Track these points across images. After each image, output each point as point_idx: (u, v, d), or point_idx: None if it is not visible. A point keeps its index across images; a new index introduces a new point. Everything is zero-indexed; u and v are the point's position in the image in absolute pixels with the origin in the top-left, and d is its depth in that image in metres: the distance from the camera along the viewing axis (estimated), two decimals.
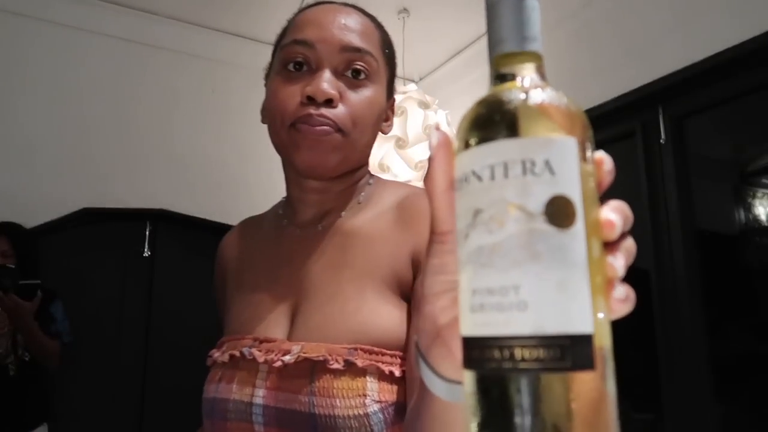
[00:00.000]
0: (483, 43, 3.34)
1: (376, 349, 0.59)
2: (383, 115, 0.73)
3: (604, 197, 0.34)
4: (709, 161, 2.45)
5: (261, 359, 0.64)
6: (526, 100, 0.32)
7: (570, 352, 0.28)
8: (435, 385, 0.37)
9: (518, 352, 0.28)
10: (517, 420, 0.28)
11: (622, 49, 2.58)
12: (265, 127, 0.73)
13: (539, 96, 0.32)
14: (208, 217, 3.19)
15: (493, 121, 0.31)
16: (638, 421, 2.63)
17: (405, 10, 3.10)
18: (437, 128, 0.36)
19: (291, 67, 0.69)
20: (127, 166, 3.03)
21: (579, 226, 0.29)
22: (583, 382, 0.28)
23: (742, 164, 2.35)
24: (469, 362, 0.30)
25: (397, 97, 2.83)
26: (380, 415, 0.57)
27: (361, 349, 0.59)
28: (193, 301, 3.16)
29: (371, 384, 0.57)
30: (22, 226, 2.34)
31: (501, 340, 0.29)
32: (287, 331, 0.67)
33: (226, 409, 0.66)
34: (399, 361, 0.60)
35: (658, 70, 2.38)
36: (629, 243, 0.32)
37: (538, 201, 0.29)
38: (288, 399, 0.61)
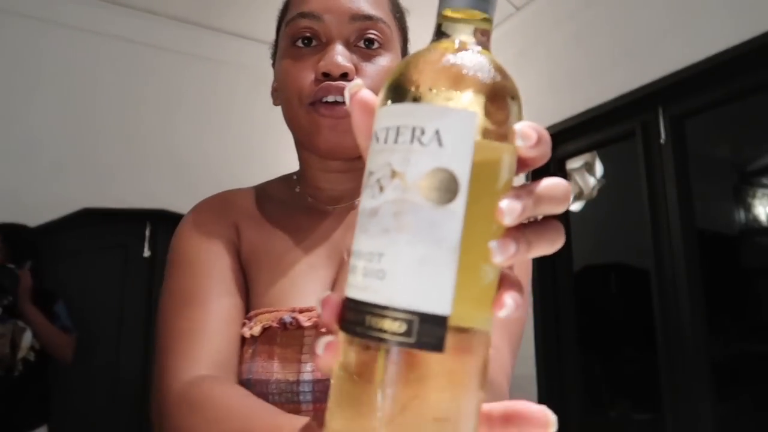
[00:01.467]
0: None
1: None
2: None
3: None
4: (709, 161, 2.45)
5: (307, 323, 0.59)
6: (440, 63, 0.30)
7: (417, 330, 0.27)
8: None
9: (369, 320, 0.28)
10: (360, 386, 0.28)
11: (621, 49, 2.58)
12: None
13: (457, 61, 0.30)
14: None
15: (402, 81, 0.30)
16: (638, 421, 2.63)
17: (405, 10, 3.09)
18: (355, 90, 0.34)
19: (300, 43, 0.65)
20: (128, 166, 3.03)
21: (458, 204, 0.28)
22: (430, 362, 0.27)
23: (742, 164, 2.35)
24: (339, 323, 0.30)
25: None
26: None
27: None
28: None
29: None
30: (24, 227, 2.34)
31: (359, 304, 0.28)
32: None
33: (266, 391, 0.58)
34: None
35: (658, 70, 2.38)
36: (534, 234, 0.29)
37: (418, 171, 0.28)
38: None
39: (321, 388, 0.57)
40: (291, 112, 0.67)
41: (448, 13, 0.32)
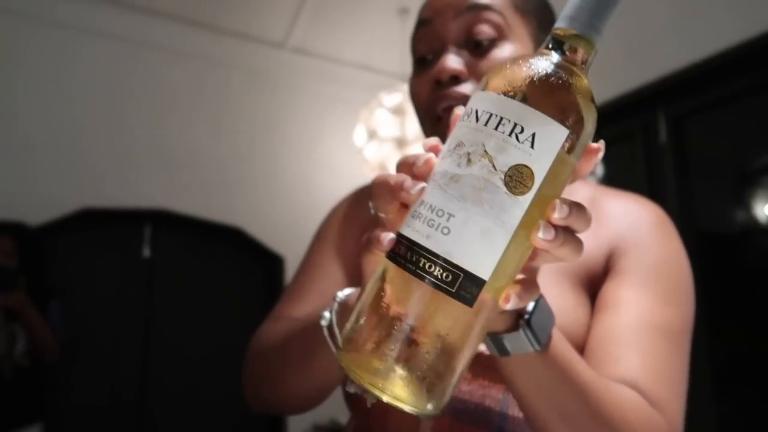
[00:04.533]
0: None
1: None
2: None
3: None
4: (709, 161, 2.45)
5: None
6: (553, 76, 0.35)
7: (459, 283, 0.33)
8: None
9: (422, 262, 0.33)
10: (393, 310, 0.34)
11: (622, 49, 2.58)
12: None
13: (566, 79, 0.35)
14: (208, 217, 3.19)
15: (515, 78, 0.35)
16: None
17: (405, 10, 3.09)
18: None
19: (419, 62, 0.66)
20: (127, 166, 3.03)
21: (528, 197, 0.33)
22: (458, 311, 0.34)
23: (742, 164, 2.35)
24: (389, 253, 0.35)
25: (397, 97, 2.84)
26: None
27: None
28: (193, 301, 3.17)
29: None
30: (26, 226, 2.34)
31: (417, 246, 0.34)
32: None
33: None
34: None
35: (658, 70, 2.38)
36: (567, 237, 0.34)
37: (507, 161, 0.33)
38: (476, 392, 0.55)
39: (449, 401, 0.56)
40: (423, 126, 0.66)
41: (566, 31, 0.36)
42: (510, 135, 0.33)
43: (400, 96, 2.84)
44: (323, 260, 0.74)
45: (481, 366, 0.54)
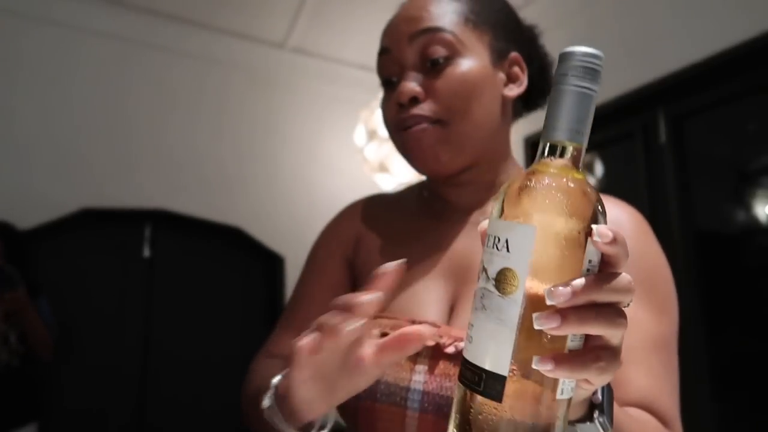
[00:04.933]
0: None
1: None
2: (492, 82, 0.67)
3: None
4: (709, 161, 2.45)
5: (429, 343, 0.58)
6: (521, 186, 0.39)
7: (484, 382, 0.37)
8: None
9: (463, 370, 0.40)
10: (456, 416, 0.40)
11: (622, 49, 2.58)
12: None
13: (531, 184, 0.38)
14: (208, 217, 3.19)
15: (501, 200, 0.40)
16: None
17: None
18: None
19: (385, 84, 0.71)
20: (127, 166, 3.03)
21: (519, 295, 0.37)
22: (489, 406, 0.37)
23: (742, 164, 2.35)
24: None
25: None
26: None
27: None
28: (193, 301, 3.17)
29: None
30: (12, 226, 2.34)
31: (462, 359, 0.40)
32: (446, 317, 0.64)
33: (376, 390, 0.61)
34: None
35: (658, 70, 2.38)
36: (577, 315, 0.35)
37: (494, 269, 0.38)
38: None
39: (429, 400, 0.59)
40: (393, 143, 0.72)
41: (555, 141, 0.39)
42: (493, 247, 0.38)
43: None
44: (312, 286, 0.77)
45: (452, 364, 0.59)
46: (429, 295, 0.66)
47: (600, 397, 0.44)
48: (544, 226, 0.36)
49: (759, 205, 2.24)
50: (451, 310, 0.65)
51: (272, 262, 3.39)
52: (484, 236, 0.41)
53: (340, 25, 3.26)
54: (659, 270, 0.64)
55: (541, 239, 0.36)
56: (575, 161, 0.39)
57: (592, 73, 0.42)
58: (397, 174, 2.79)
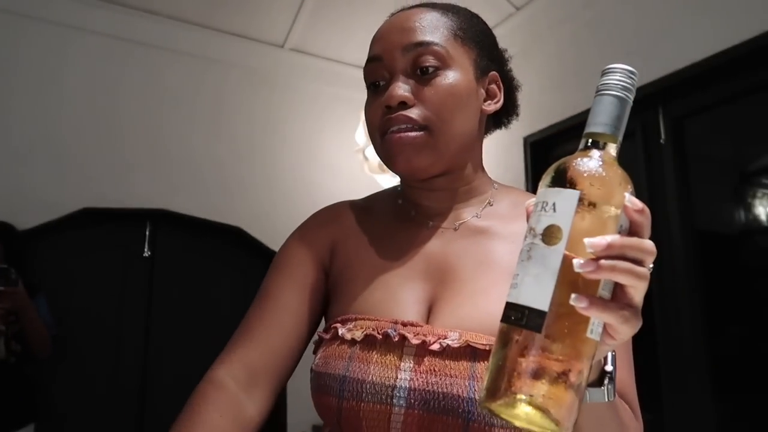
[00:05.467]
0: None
1: None
2: (474, 96, 0.72)
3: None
4: (709, 161, 2.45)
5: (415, 341, 0.63)
6: (569, 165, 0.47)
7: (526, 317, 0.44)
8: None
9: (506, 312, 0.46)
10: (496, 355, 0.46)
11: (622, 49, 2.58)
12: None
13: (576, 165, 0.47)
14: (208, 217, 3.19)
15: (552, 173, 0.48)
16: None
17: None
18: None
19: (372, 87, 0.74)
20: (128, 166, 3.03)
21: (561, 246, 0.44)
22: (532, 338, 0.44)
23: (742, 164, 2.35)
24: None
25: None
26: None
27: None
28: (192, 301, 3.17)
29: None
30: (11, 226, 2.35)
31: (506, 304, 0.46)
32: (425, 317, 0.67)
33: (361, 390, 0.64)
34: None
35: (658, 70, 2.38)
36: (610, 262, 0.43)
37: (542, 226, 0.45)
38: (444, 383, 0.61)
39: (415, 396, 0.62)
40: (374, 144, 0.75)
41: (594, 133, 0.49)
42: (541, 210, 0.46)
43: None
44: (282, 291, 0.76)
45: (445, 357, 0.62)
46: (408, 296, 0.69)
47: (611, 367, 0.51)
48: (586, 193, 0.45)
49: (759, 205, 2.24)
50: (430, 311, 0.68)
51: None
52: (530, 212, 0.48)
53: (339, 25, 3.26)
54: None
55: (583, 203, 0.45)
56: (611, 151, 0.48)
57: (629, 85, 0.49)
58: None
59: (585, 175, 0.46)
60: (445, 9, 0.75)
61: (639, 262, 0.43)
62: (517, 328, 0.44)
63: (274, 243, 3.35)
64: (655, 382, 2.30)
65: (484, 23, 0.79)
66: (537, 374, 0.43)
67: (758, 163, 2.29)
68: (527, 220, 0.48)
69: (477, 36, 0.75)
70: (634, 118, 2.51)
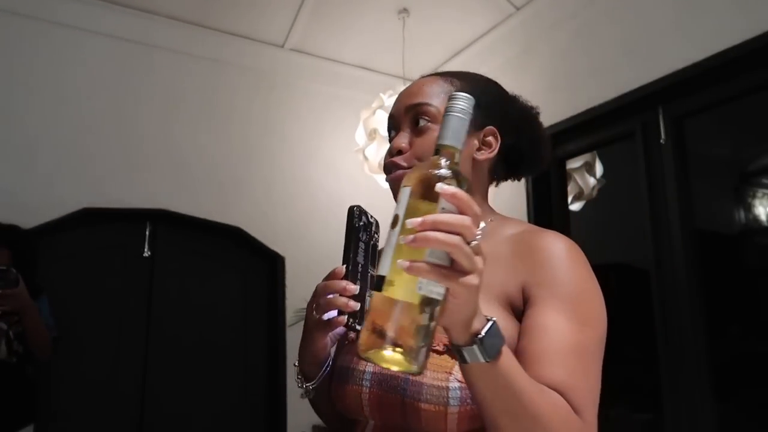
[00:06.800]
0: (483, 43, 3.35)
1: None
2: (463, 146, 0.82)
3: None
4: (709, 161, 2.45)
5: None
6: (414, 171, 0.61)
7: (376, 283, 0.58)
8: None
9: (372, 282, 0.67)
10: (367, 317, 0.60)
11: (622, 49, 2.58)
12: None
13: (417, 168, 0.61)
14: (208, 217, 3.19)
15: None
16: (638, 421, 2.63)
17: (405, 10, 3.09)
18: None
19: (389, 136, 0.94)
20: (128, 166, 3.03)
21: (398, 228, 0.57)
22: (378, 297, 0.57)
23: (742, 164, 2.35)
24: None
25: None
26: (458, 392, 0.71)
27: None
28: (193, 300, 3.17)
29: (459, 367, 0.67)
30: (19, 228, 2.34)
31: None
32: None
33: (347, 375, 0.82)
34: None
35: (658, 70, 2.38)
36: (422, 234, 0.54)
37: (392, 216, 0.59)
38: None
39: (374, 378, 0.80)
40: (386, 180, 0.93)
41: (439, 144, 0.62)
42: (397, 205, 0.60)
43: None
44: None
45: None
46: None
47: (480, 329, 0.59)
48: (414, 188, 0.58)
49: (759, 205, 2.24)
50: None
51: (272, 262, 3.39)
52: None
53: (339, 25, 3.26)
54: (585, 291, 0.76)
55: (413, 195, 0.58)
56: (455, 156, 0.61)
57: (466, 107, 0.63)
58: None
59: (416, 174, 0.60)
60: (452, 76, 0.90)
61: (456, 234, 0.53)
62: (373, 293, 0.58)
63: (274, 243, 3.35)
64: (655, 382, 2.30)
65: (492, 86, 0.93)
66: (388, 327, 0.56)
67: (758, 163, 2.29)
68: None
69: (476, 97, 0.81)
70: (634, 118, 2.51)
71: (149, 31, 3.16)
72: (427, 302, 0.56)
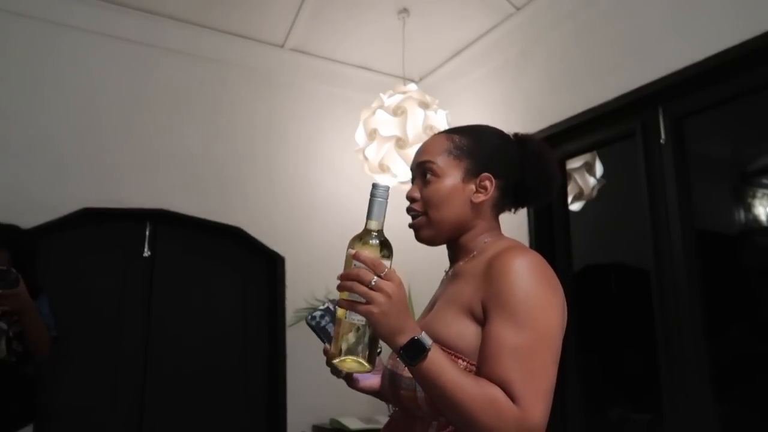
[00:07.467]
0: (483, 43, 3.35)
1: (444, 348, 0.89)
2: (460, 192, 1.05)
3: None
4: (709, 161, 2.45)
5: None
6: (354, 239, 0.87)
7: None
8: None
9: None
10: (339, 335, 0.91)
11: (621, 49, 2.58)
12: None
13: (356, 238, 0.87)
14: (208, 217, 3.19)
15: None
16: (638, 421, 2.63)
17: (405, 10, 3.10)
18: None
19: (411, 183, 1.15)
20: (128, 166, 3.03)
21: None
22: (338, 321, 0.89)
23: (742, 164, 2.35)
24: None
25: (397, 98, 2.84)
26: None
27: (438, 345, 0.87)
28: (193, 300, 3.17)
29: None
30: (19, 228, 2.34)
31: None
32: None
33: (383, 375, 1.10)
34: (458, 361, 0.90)
35: (658, 70, 2.38)
36: (340, 283, 0.84)
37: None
38: (393, 364, 1.02)
39: (387, 372, 1.05)
40: None
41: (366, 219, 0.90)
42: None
43: (400, 96, 2.84)
44: None
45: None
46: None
47: (402, 343, 0.82)
48: (349, 250, 0.85)
49: (759, 205, 2.24)
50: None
51: (272, 262, 3.39)
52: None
53: (339, 25, 3.26)
54: (527, 299, 0.88)
55: (347, 258, 0.84)
56: (374, 229, 0.87)
57: (384, 192, 0.88)
58: (397, 173, 2.79)
59: (354, 242, 0.86)
60: (455, 132, 1.10)
61: (353, 281, 0.82)
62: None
63: (274, 243, 3.35)
64: (655, 382, 2.30)
65: (491, 136, 1.11)
66: (342, 344, 0.86)
67: (758, 163, 2.29)
68: None
69: (472, 149, 1.07)
70: (634, 118, 2.51)
71: (150, 30, 3.15)
72: (351, 325, 0.85)
